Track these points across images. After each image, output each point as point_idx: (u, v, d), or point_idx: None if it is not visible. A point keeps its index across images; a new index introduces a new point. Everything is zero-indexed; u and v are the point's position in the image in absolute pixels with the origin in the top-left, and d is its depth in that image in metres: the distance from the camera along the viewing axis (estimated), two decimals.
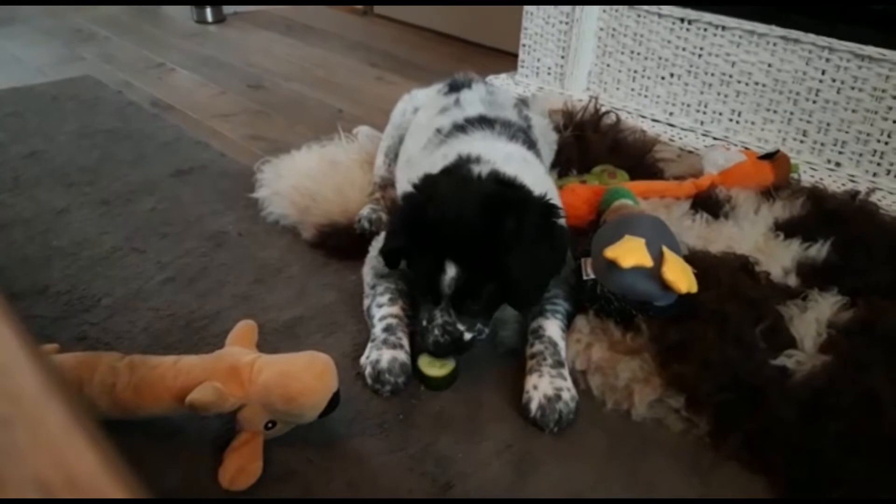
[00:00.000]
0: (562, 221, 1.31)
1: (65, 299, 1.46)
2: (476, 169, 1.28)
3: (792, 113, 2.14)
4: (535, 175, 1.37)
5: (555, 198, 1.38)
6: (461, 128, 1.50)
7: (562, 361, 1.25)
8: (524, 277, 1.19)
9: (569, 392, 1.20)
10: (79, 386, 1.05)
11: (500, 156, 1.33)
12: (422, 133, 1.60)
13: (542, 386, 1.19)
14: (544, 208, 1.26)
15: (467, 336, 1.23)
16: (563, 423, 1.17)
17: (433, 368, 1.25)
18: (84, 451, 0.28)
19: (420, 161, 1.51)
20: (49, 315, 1.40)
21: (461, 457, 1.12)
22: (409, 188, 1.29)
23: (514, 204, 1.21)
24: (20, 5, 3.99)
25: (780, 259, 1.53)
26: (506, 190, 1.24)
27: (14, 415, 0.29)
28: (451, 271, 1.17)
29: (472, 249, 1.17)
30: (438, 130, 1.54)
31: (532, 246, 1.19)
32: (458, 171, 1.29)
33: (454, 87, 1.73)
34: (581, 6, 2.49)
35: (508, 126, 1.52)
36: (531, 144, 1.56)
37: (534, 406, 1.18)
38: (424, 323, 1.24)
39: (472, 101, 1.62)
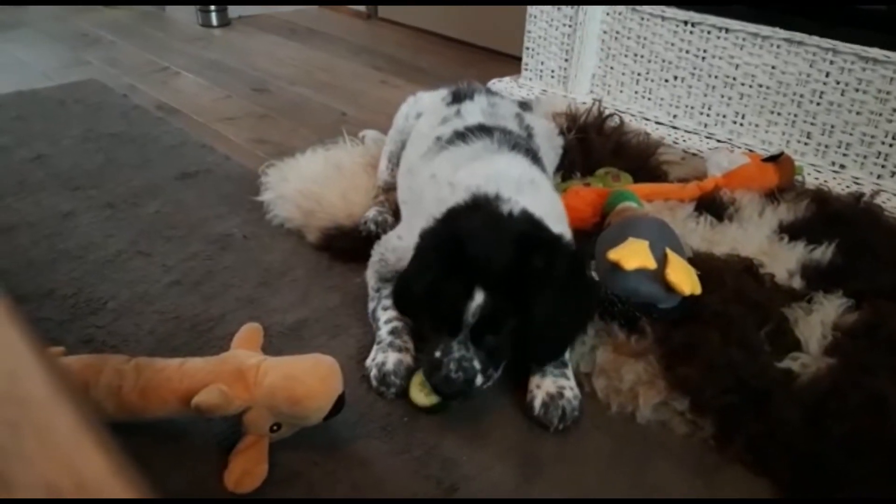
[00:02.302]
0: (590, 273, 1.28)
1: (71, 302, 1.46)
2: (505, 207, 1.23)
3: (796, 115, 2.13)
4: (546, 198, 1.34)
5: (560, 211, 1.38)
6: (461, 135, 1.50)
7: (565, 362, 1.25)
8: (548, 321, 1.16)
9: (572, 391, 1.20)
10: (85, 389, 1.06)
11: (510, 184, 1.29)
12: (422, 141, 1.61)
13: (545, 385, 1.20)
14: (574, 256, 1.23)
15: (479, 380, 1.16)
16: (567, 420, 1.17)
17: (422, 396, 1.20)
18: (92, 454, 0.28)
19: (420, 169, 1.51)
20: (55, 318, 1.41)
21: (466, 459, 1.12)
22: (431, 221, 1.25)
23: (546, 245, 1.19)
24: (27, 5, 4.02)
25: (784, 261, 1.53)
26: (538, 231, 1.22)
27: (23, 419, 0.29)
28: (478, 298, 1.13)
29: (502, 279, 1.14)
30: (439, 138, 1.54)
31: (560, 290, 1.16)
32: (485, 206, 1.25)
33: (457, 98, 1.73)
34: (584, 9, 2.49)
35: (508, 135, 1.52)
36: (532, 155, 1.55)
37: (537, 404, 1.18)
38: (437, 354, 1.16)
39: (473, 112, 1.62)
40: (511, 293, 1.14)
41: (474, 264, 1.15)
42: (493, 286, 1.14)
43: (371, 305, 1.40)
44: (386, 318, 1.33)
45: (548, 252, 1.17)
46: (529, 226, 1.22)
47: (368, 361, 1.27)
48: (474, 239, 1.16)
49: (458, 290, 1.14)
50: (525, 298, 1.14)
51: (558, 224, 1.30)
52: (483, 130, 1.51)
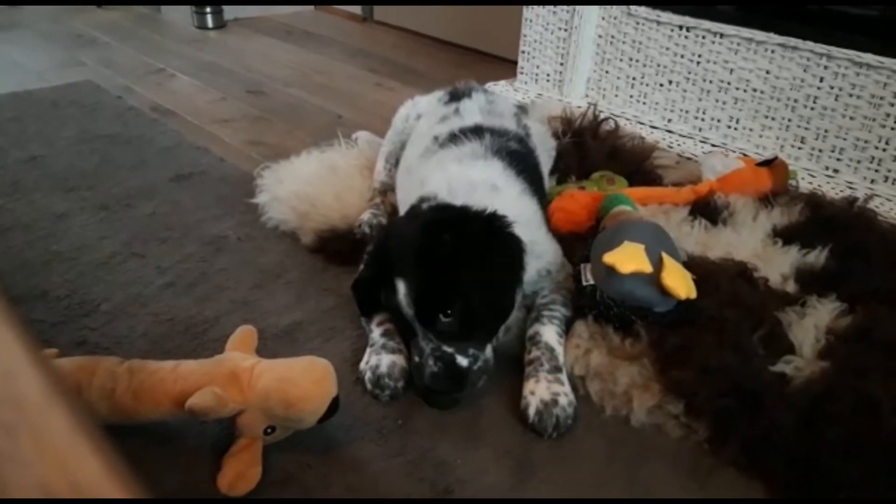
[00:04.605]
0: (510, 229, 1.26)
1: (64, 304, 1.46)
2: (424, 206, 1.32)
3: (790, 120, 2.14)
4: (503, 201, 1.33)
5: (530, 216, 1.39)
6: (454, 138, 1.51)
7: (559, 367, 1.25)
8: (476, 289, 1.19)
9: (566, 397, 1.20)
10: (77, 391, 1.05)
11: (464, 185, 1.34)
12: (421, 141, 1.61)
13: (540, 391, 1.20)
14: (487, 220, 1.25)
15: (462, 361, 1.18)
16: (561, 429, 1.17)
17: None
18: (88, 457, 0.28)
19: (417, 169, 1.52)
20: (48, 320, 1.41)
21: (460, 462, 1.12)
22: (406, 205, 1.35)
23: (452, 221, 1.24)
24: (22, 5, 4.01)
25: (778, 265, 1.53)
26: (443, 212, 1.28)
27: (18, 421, 0.29)
28: (401, 287, 1.19)
29: (416, 264, 1.19)
30: (435, 138, 1.55)
31: (481, 256, 1.20)
32: (412, 210, 1.34)
33: (454, 97, 1.73)
34: (580, 13, 2.50)
35: (502, 135, 1.52)
36: (528, 152, 1.56)
37: (531, 412, 1.18)
38: (417, 359, 1.21)
39: (471, 111, 1.63)
40: (434, 274, 1.18)
41: (388, 261, 1.23)
42: (410, 272, 1.19)
43: None
44: (378, 320, 1.33)
45: (454, 227, 1.22)
46: (436, 212, 1.28)
47: (362, 365, 1.27)
48: (387, 241, 1.28)
49: (388, 290, 1.22)
50: (453, 276, 1.18)
51: (526, 227, 1.31)
52: (476, 133, 1.51)
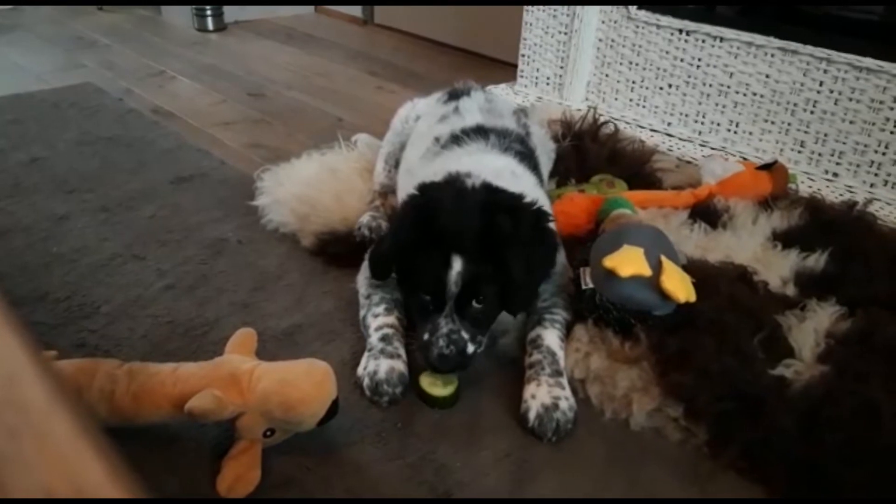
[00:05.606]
0: (552, 225, 1.33)
1: (64, 306, 1.46)
2: (469, 182, 1.31)
3: (790, 124, 2.15)
4: (524, 187, 1.37)
5: (545, 206, 1.40)
6: (457, 139, 1.51)
7: (560, 370, 1.25)
8: (521, 276, 1.21)
9: (567, 401, 1.20)
10: (77, 393, 1.05)
11: (489, 171, 1.35)
12: (422, 142, 1.61)
13: (540, 395, 1.20)
14: (536, 212, 1.29)
15: (470, 348, 1.22)
16: (561, 433, 1.17)
17: (437, 388, 1.23)
18: (90, 459, 0.28)
19: (419, 171, 1.52)
20: (48, 322, 1.41)
21: (460, 466, 1.12)
22: (409, 195, 1.33)
23: (508, 206, 1.25)
24: (24, 5, 4.02)
25: (778, 269, 1.53)
26: (498, 194, 1.29)
27: (21, 425, 0.29)
28: (456, 265, 1.19)
29: (474, 244, 1.20)
30: (437, 139, 1.55)
31: (527, 245, 1.22)
32: (454, 183, 1.32)
33: (453, 96, 1.74)
34: (580, 17, 2.50)
35: (505, 136, 1.53)
36: (529, 152, 1.57)
37: (532, 415, 1.18)
38: (426, 336, 1.21)
39: (471, 110, 1.63)
40: (485, 256, 1.20)
41: (447, 234, 1.21)
42: (468, 252, 1.19)
43: (362, 313, 1.39)
44: (376, 325, 1.33)
45: (511, 211, 1.24)
46: (490, 192, 1.29)
47: (360, 370, 1.27)
48: (443, 210, 1.24)
49: (437, 262, 1.20)
50: (499, 259, 1.20)
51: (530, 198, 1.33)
52: (480, 133, 1.52)
